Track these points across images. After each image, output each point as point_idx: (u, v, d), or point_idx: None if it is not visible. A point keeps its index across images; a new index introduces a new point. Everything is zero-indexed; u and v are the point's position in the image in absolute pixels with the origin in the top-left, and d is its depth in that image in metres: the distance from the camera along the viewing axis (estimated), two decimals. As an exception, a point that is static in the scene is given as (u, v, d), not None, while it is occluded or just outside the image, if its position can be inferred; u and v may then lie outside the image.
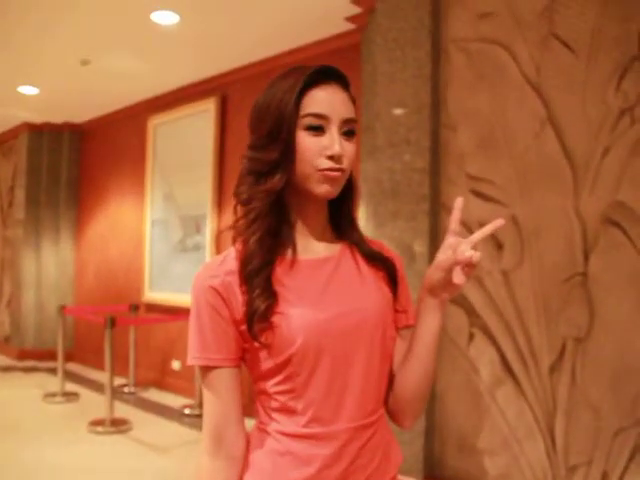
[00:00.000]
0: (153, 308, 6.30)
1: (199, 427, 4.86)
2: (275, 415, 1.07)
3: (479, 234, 1.05)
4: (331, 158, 1.03)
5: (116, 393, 5.48)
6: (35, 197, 7.62)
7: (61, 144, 7.69)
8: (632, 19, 2.76)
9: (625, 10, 2.79)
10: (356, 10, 3.96)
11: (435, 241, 3.36)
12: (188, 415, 5.21)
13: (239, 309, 1.04)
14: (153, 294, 6.31)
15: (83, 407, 5.44)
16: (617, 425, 2.75)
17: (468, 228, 3.23)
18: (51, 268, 7.66)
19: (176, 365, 6.05)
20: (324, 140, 1.04)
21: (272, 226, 1.08)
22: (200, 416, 5.14)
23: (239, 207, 1.13)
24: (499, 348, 3.15)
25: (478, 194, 3.24)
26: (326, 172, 1.04)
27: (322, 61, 4.12)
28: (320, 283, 1.08)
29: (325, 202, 1.14)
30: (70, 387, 5.98)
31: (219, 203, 5.59)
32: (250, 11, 4.20)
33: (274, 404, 1.06)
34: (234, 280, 1.06)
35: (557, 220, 2.95)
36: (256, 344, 1.04)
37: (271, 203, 1.07)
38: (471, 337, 3.26)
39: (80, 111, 7.17)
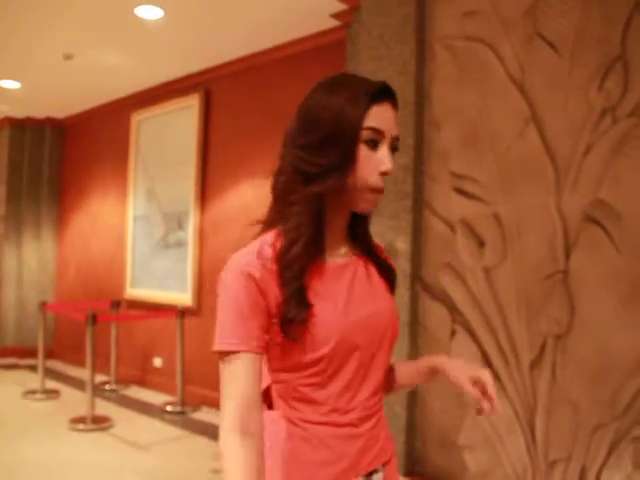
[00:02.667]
0: (135, 305, 6.26)
1: (181, 424, 4.84)
2: (295, 404, 1.12)
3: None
4: (383, 174, 1.09)
5: (97, 390, 5.44)
6: (16, 192, 7.52)
7: (43, 139, 7.62)
8: (615, 20, 2.79)
9: (608, 11, 2.81)
10: (341, 7, 3.96)
11: (417, 238, 3.37)
12: (170, 412, 5.19)
13: (273, 302, 1.07)
14: (135, 291, 6.28)
15: (64, 404, 5.39)
16: (596, 421, 2.77)
17: (450, 225, 3.25)
18: (32, 264, 7.57)
19: (158, 362, 6.01)
20: (378, 155, 1.08)
21: (316, 232, 1.11)
22: (182, 413, 5.13)
23: (276, 200, 1.15)
24: (480, 345, 3.17)
25: (461, 192, 3.26)
26: (371, 195, 1.10)
27: (307, 57, 4.11)
28: (344, 287, 1.14)
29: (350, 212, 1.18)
30: (51, 384, 5.93)
31: (202, 200, 5.57)
32: (235, 7, 4.19)
33: (295, 394, 1.12)
34: (271, 273, 1.08)
35: (539, 218, 2.97)
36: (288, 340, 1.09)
37: (319, 208, 1.10)
38: (453, 333, 3.28)
39: (62, 106, 7.11)
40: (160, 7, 4.22)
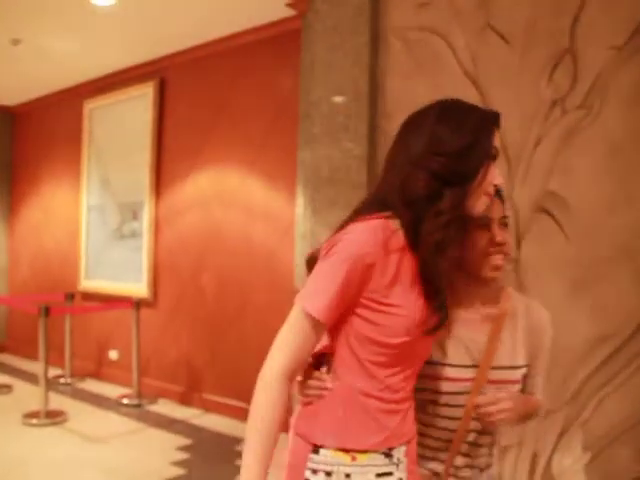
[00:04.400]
0: (89, 297, 6.17)
1: (137, 417, 4.80)
2: (357, 375, 1.27)
3: None
4: (495, 187, 1.34)
5: (52, 384, 5.36)
6: (-35, 183, 7.32)
7: (-8, 127, 7.42)
8: (564, 13, 2.83)
9: (557, 4, 2.85)
10: (296, -4, 3.94)
11: (373, 228, 3.38)
12: (126, 405, 5.14)
13: (383, 279, 1.22)
14: (89, 282, 6.19)
15: (17, 399, 5.30)
16: (546, 407, 2.84)
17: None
18: (-18, 256, 7.39)
19: (113, 355, 5.94)
20: (494, 171, 1.32)
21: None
22: (138, 406, 5.09)
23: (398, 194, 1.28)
24: (435, 334, 3.21)
25: (415, 182, 3.28)
26: (487, 199, 1.32)
27: (262, 46, 4.08)
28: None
29: None
30: (3, 379, 5.84)
31: (157, 189, 5.50)
32: (189, -6, 4.13)
33: (360, 367, 1.27)
34: (390, 261, 1.22)
35: (491, 208, 3.01)
36: (372, 318, 1.24)
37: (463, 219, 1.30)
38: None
39: (12, 93, 6.93)
40: (112, -7, 4.14)
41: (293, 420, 1.37)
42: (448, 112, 1.30)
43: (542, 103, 2.87)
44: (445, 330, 1.41)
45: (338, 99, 3.47)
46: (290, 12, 4.19)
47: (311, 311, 1.21)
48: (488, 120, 1.31)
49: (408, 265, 1.25)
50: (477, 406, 1.39)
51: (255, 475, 1.17)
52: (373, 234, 1.22)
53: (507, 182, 2.96)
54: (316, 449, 1.27)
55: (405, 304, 1.23)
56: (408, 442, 1.35)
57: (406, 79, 3.34)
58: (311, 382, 1.31)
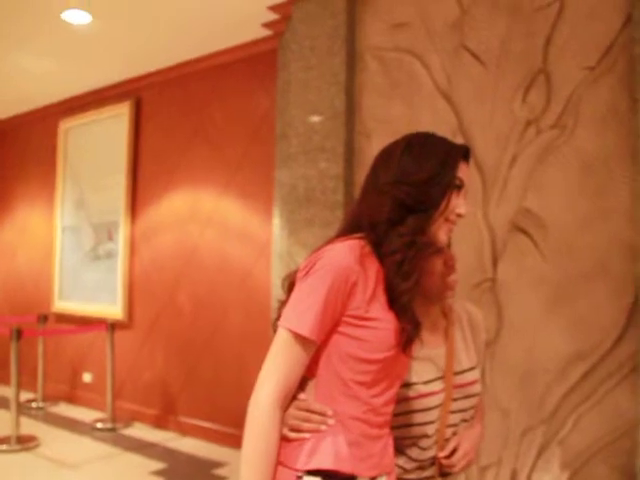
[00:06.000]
0: (63, 318, 6.06)
1: (112, 441, 4.71)
2: (340, 397, 1.26)
3: None
4: (458, 215, 1.37)
5: (23, 408, 5.24)
6: (-64, 203, 7.20)
7: (-35, 147, 7.32)
8: (537, 34, 2.88)
9: (530, 25, 2.90)
10: (273, 16, 3.95)
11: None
12: (100, 429, 5.03)
13: (365, 295, 1.24)
14: (63, 304, 6.08)
15: (-14, 424, 5.17)
16: (525, 425, 2.83)
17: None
18: (-47, 278, 7.25)
19: (87, 378, 5.83)
20: (458, 200, 1.36)
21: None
22: (112, 430, 4.99)
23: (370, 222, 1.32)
24: (413, 353, 3.19)
25: (392, 201, 3.28)
26: (450, 226, 1.37)
27: (238, 66, 4.08)
28: None
29: None
30: (-28, 403, 5.68)
31: (132, 210, 5.45)
32: (166, 14, 4.13)
33: (343, 389, 1.26)
34: (368, 278, 1.25)
35: (467, 227, 3.02)
36: (355, 334, 1.24)
37: (422, 243, 1.33)
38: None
39: (-15, 113, 6.86)
40: (88, 12, 4.12)
41: None
42: (415, 144, 1.37)
43: (517, 123, 2.90)
44: (417, 348, 1.43)
45: (315, 119, 3.48)
46: (266, 32, 4.21)
47: (299, 330, 1.20)
48: (454, 152, 1.36)
49: (382, 282, 1.28)
50: (439, 462, 1.48)
51: None
52: (351, 252, 1.24)
53: (483, 201, 2.98)
54: None
55: (384, 317, 1.25)
56: (388, 474, 1.34)
57: (382, 98, 3.36)
58: (312, 416, 1.26)
